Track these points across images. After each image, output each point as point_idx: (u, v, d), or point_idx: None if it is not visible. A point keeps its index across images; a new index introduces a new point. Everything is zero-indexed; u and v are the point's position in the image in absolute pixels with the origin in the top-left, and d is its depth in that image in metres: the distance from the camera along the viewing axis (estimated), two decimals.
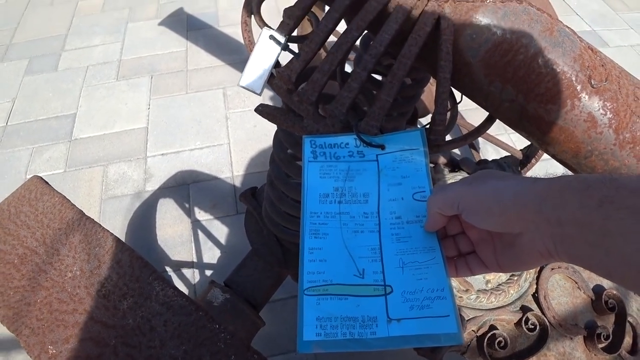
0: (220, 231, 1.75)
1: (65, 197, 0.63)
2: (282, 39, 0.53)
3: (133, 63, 2.42)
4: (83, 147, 2.04)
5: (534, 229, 0.36)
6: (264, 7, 0.64)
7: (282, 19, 0.54)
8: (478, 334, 0.83)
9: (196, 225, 1.77)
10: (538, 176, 0.39)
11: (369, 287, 0.43)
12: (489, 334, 0.80)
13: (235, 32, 2.57)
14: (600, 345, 0.82)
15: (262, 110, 0.57)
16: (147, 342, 0.47)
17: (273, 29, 0.53)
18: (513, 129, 0.63)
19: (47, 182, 0.70)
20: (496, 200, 0.38)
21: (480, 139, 1.87)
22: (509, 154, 1.50)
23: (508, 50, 0.54)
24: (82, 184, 1.90)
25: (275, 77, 0.54)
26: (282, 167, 0.73)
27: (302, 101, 0.52)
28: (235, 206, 1.82)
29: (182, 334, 0.47)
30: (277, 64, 0.54)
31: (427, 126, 0.55)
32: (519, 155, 1.46)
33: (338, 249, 0.45)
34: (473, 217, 0.40)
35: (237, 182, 1.91)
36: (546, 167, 1.79)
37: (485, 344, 0.79)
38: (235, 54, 2.45)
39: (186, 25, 2.63)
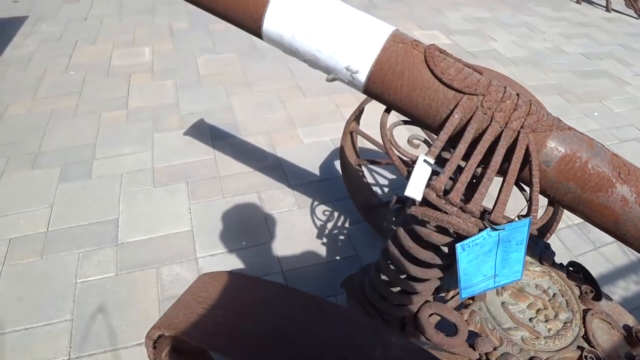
0: None
1: (261, 278, 0.85)
2: (432, 161, 0.82)
3: (166, 170, 2.59)
4: (131, 251, 2.13)
5: None
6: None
7: (430, 148, 0.83)
8: None
9: None
10: None
11: (489, 276, 0.89)
12: None
13: (256, 140, 2.84)
14: None
15: (415, 210, 0.84)
16: None
17: (426, 156, 0.82)
18: (571, 212, 0.92)
19: (222, 274, 0.89)
20: None
21: None
22: None
23: (569, 161, 0.85)
24: (137, 285, 1.97)
25: (429, 187, 0.81)
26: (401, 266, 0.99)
27: (448, 203, 0.80)
28: None
29: None
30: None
31: (523, 214, 0.83)
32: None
33: (476, 272, 0.88)
34: None
35: (288, 276, 2.04)
36: None
37: None
38: (261, 161, 2.68)
39: (210, 135, 2.87)
